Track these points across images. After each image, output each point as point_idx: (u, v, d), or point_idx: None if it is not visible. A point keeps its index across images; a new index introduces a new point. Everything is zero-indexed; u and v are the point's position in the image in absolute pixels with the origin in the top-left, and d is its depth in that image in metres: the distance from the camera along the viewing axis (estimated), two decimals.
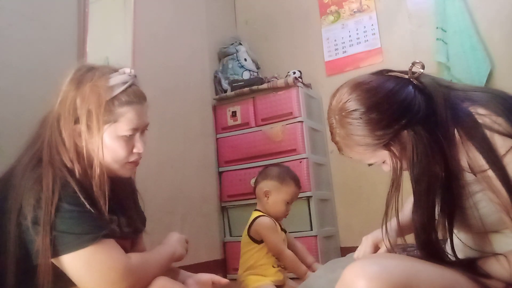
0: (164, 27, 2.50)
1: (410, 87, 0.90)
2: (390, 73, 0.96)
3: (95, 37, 1.90)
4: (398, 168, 0.90)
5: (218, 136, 2.81)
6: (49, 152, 0.99)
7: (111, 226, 1.01)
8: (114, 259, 0.94)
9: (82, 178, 0.99)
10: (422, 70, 0.92)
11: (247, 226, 1.71)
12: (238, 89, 2.78)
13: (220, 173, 2.75)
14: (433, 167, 0.86)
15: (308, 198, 2.50)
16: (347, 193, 2.83)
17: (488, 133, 0.83)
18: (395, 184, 0.90)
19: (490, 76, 2.46)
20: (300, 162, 2.53)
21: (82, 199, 0.95)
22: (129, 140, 1.05)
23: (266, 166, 1.88)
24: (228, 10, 3.36)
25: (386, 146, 0.90)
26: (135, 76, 1.09)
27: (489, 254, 0.86)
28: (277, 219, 1.73)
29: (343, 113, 0.92)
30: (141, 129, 1.08)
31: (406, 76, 0.93)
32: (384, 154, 0.92)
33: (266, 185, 1.73)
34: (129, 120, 1.03)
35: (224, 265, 2.62)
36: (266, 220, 1.67)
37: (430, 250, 0.85)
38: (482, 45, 2.49)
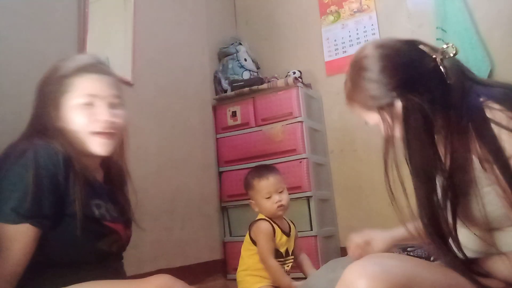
0: (164, 27, 2.49)
1: (432, 65, 0.90)
2: (421, 46, 0.95)
3: (95, 37, 1.90)
4: (389, 134, 0.90)
5: (218, 136, 2.81)
6: (30, 128, 1.06)
7: (47, 216, 0.96)
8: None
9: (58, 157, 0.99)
10: (452, 54, 0.90)
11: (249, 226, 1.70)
12: (238, 89, 2.78)
13: (220, 173, 2.75)
14: (426, 148, 0.86)
15: (308, 198, 2.50)
16: (347, 193, 2.83)
17: (496, 128, 0.81)
18: (388, 142, 0.90)
19: (490, 76, 2.46)
20: (300, 162, 2.53)
21: (35, 177, 0.94)
22: (87, 109, 1.05)
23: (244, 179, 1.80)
24: (228, 10, 3.36)
25: (380, 110, 0.92)
26: (95, 57, 1.14)
27: (496, 252, 0.85)
28: (277, 218, 1.68)
29: (357, 67, 0.96)
30: (101, 97, 1.07)
31: (434, 55, 0.91)
32: (377, 118, 0.94)
33: (250, 196, 1.72)
34: (81, 88, 1.05)
35: (224, 265, 2.62)
36: (263, 225, 1.63)
37: (434, 225, 0.85)
38: (482, 45, 2.49)
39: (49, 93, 1.06)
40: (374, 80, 0.92)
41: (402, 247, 1.44)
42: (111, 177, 1.18)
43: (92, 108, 1.06)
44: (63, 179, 0.97)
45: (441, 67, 0.89)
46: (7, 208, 0.91)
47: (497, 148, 0.80)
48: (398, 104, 0.89)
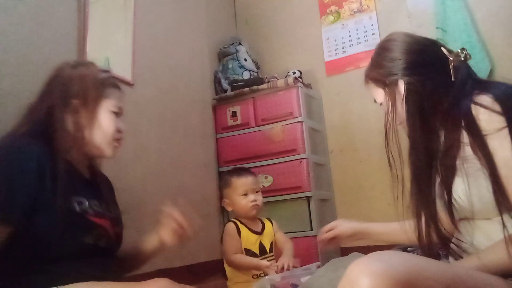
0: (164, 27, 2.49)
1: (443, 61, 1.01)
2: (441, 47, 1.06)
3: (95, 37, 1.90)
4: (389, 108, 1.04)
5: (218, 136, 2.81)
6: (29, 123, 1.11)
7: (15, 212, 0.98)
8: None
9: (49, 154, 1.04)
10: (462, 58, 1.03)
11: None
12: (238, 89, 2.78)
13: (220, 173, 2.75)
14: (418, 125, 0.98)
15: (308, 198, 2.50)
16: (347, 193, 2.83)
17: (475, 110, 0.90)
18: (389, 114, 1.04)
19: (490, 76, 2.46)
20: (300, 162, 2.53)
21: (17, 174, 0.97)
22: (116, 118, 1.18)
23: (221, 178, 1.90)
24: (228, 10, 3.36)
25: (386, 86, 1.05)
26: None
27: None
28: (249, 216, 1.72)
29: (381, 48, 1.09)
30: (122, 111, 1.22)
31: (448, 55, 1.02)
32: (383, 96, 1.07)
33: (223, 197, 1.78)
34: (117, 98, 1.20)
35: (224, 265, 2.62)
36: (227, 226, 1.71)
37: (421, 193, 0.96)
38: (482, 45, 2.49)
39: (86, 90, 1.13)
40: (391, 59, 1.04)
41: (401, 248, 1.44)
42: (96, 177, 1.24)
43: (117, 118, 1.19)
44: (37, 177, 0.99)
45: (450, 65, 1.00)
46: None
47: (475, 127, 0.89)
48: (402, 83, 1.02)
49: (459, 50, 1.03)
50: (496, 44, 2.51)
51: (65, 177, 1.03)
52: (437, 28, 2.58)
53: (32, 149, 1.01)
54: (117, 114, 1.19)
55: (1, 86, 1.49)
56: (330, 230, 1.36)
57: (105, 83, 1.19)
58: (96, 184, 1.20)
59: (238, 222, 1.72)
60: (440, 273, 0.73)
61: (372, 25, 2.90)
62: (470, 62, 2.74)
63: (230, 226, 1.70)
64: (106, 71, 1.23)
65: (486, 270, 0.83)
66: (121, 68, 2.08)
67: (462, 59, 1.03)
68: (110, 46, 2.09)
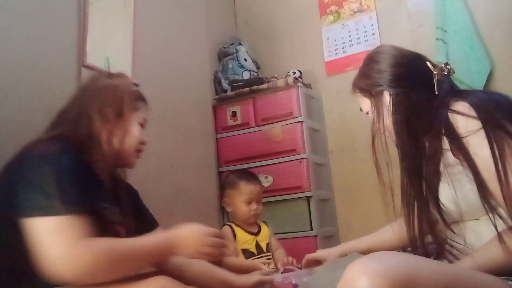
0: (164, 27, 2.49)
1: (427, 74, 1.05)
2: (426, 61, 1.10)
3: (95, 37, 1.90)
4: (375, 116, 1.10)
5: (218, 136, 2.81)
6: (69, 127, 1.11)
7: (89, 205, 0.99)
8: (62, 238, 0.89)
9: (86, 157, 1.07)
10: (445, 73, 1.06)
11: None
12: (238, 89, 2.78)
13: (220, 173, 2.75)
14: (404, 132, 1.04)
15: (308, 198, 2.50)
16: (347, 193, 2.83)
17: (452, 118, 0.94)
18: (374, 122, 1.10)
19: (490, 76, 2.46)
20: (300, 162, 2.53)
21: (77, 170, 0.99)
22: (140, 130, 1.23)
23: (226, 176, 1.91)
24: (228, 10, 3.36)
25: (372, 96, 1.11)
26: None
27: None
28: (247, 221, 1.74)
29: (369, 59, 1.13)
30: (145, 124, 1.27)
31: (432, 69, 1.06)
32: (369, 105, 1.13)
33: (225, 196, 1.79)
34: (144, 111, 1.26)
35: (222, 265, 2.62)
36: (223, 230, 1.72)
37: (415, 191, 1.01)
38: (482, 45, 2.49)
39: (122, 99, 1.16)
40: (377, 71, 1.09)
41: (400, 248, 1.45)
42: (117, 186, 1.27)
43: (142, 129, 1.24)
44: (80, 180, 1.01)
45: (434, 79, 1.04)
46: (55, 202, 0.92)
47: (454, 132, 0.93)
48: (387, 94, 1.08)
49: (443, 65, 1.06)
50: (496, 44, 2.51)
51: (91, 182, 1.05)
52: (437, 28, 2.57)
53: (75, 155, 1.04)
54: (142, 126, 1.24)
55: (1, 86, 1.49)
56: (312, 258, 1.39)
57: (137, 96, 1.26)
58: (116, 193, 1.22)
59: (233, 225, 1.73)
60: (438, 273, 0.73)
61: (372, 25, 2.90)
62: (471, 62, 2.74)
63: (225, 229, 1.72)
64: (136, 84, 1.27)
65: (481, 269, 0.84)
66: (121, 68, 2.07)
67: (446, 73, 1.06)
68: (110, 46, 2.09)
